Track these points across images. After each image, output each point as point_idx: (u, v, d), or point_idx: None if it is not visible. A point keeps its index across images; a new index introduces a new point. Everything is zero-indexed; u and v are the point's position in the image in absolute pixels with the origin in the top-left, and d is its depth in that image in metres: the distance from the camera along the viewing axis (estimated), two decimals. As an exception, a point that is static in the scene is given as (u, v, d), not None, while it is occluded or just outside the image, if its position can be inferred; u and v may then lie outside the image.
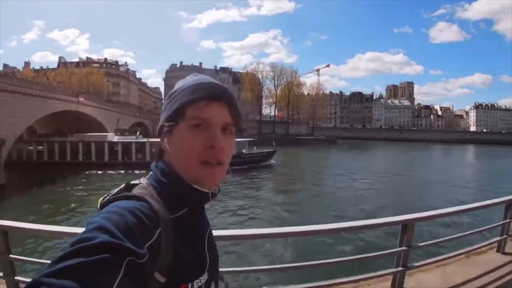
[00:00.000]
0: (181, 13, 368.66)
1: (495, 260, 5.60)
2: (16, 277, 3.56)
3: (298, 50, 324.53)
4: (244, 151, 40.95)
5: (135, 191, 0.99)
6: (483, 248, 5.99)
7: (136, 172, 33.50)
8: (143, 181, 1.05)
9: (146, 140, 42.05)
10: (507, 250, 5.98)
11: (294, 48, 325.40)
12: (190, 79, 1.09)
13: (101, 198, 0.98)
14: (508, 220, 5.78)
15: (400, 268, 4.28)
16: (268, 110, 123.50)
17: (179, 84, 1.09)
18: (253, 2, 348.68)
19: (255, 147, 45.17)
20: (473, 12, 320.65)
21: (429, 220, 5.97)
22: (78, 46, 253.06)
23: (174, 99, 1.05)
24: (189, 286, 0.95)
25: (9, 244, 3.50)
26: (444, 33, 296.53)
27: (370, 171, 40.40)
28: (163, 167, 1.05)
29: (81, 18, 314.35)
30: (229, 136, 1.06)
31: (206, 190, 1.02)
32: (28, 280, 2.99)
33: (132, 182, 1.05)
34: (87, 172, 35.98)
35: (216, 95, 1.03)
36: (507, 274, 5.12)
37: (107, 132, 50.70)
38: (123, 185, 1.03)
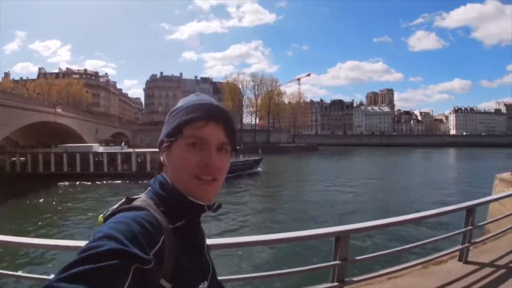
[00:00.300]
0: (163, 24, 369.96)
1: (456, 269, 5.27)
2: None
3: (280, 60, 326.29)
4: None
5: (136, 203, 1.01)
6: (444, 257, 5.62)
7: (119, 182, 33.60)
8: (142, 195, 1.08)
9: (132, 151, 41.68)
10: (470, 259, 5.64)
11: (275, 59, 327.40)
12: (192, 99, 1.13)
13: (101, 216, 0.99)
14: (469, 228, 5.45)
15: (335, 283, 3.97)
16: (249, 119, 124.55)
17: (181, 103, 1.14)
18: (235, 13, 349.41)
19: (241, 156, 44.56)
20: (451, 21, 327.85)
21: (365, 231, 5.48)
22: (60, 57, 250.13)
23: (174, 117, 1.09)
24: None
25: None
26: (422, 41, 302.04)
27: (350, 177, 40.45)
28: (162, 180, 1.08)
29: (63, 29, 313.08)
30: (225, 155, 1.10)
31: (201, 203, 1.05)
32: None
33: (132, 196, 1.07)
34: (76, 183, 35.44)
35: (213, 115, 1.07)
36: (470, 284, 4.84)
37: (86, 143, 50.28)
38: (123, 199, 1.04)
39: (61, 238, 16.07)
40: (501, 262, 5.54)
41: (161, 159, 1.11)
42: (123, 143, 48.10)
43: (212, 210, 1.11)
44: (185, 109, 1.08)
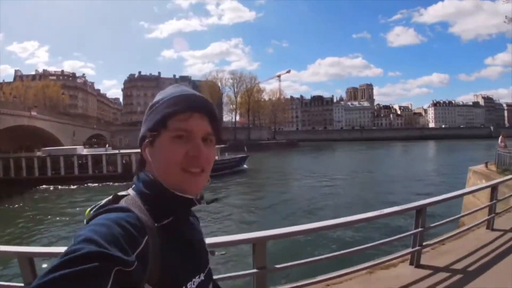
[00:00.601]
0: (142, 23, 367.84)
1: (406, 274, 4.88)
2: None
3: (260, 58, 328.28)
4: (216, 157, 39.83)
5: (122, 202, 0.99)
6: (394, 261, 5.20)
7: (110, 184, 33.04)
8: (131, 192, 1.05)
9: (117, 152, 40.96)
10: (423, 262, 5.24)
11: (255, 56, 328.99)
12: (171, 90, 1.09)
13: (88, 210, 0.99)
14: (419, 229, 5.01)
15: None
16: (229, 117, 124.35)
17: (160, 95, 1.09)
18: (214, 11, 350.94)
19: (226, 153, 44.72)
20: (429, 16, 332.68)
21: (282, 238, 4.73)
22: (38, 58, 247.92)
23: (156, 110, 1.06)
24: None
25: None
26: (401, 37, 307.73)
27: (328, 172, 40.43)
28: (145, 177, 1.05)
29: (41, 30, 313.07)
30: (210, 145, 1.08)
31: (190, 196, 1.03)
32: None
33: (120, 193, 1.05)
34: (59, 187, 34.78)
35: (197, 107, 1.05)
36: (500, 246, 4.95)
37: (63, 145, 49.57)
38: (110, 197, 1.03)
39: (47, 243, 16.25)
40: (458, 265, 5.16)
41: (143, 156, 1.07)
42: (107, 145, 47.37)
43: (203, 202, 1.09)
44: (167, 101, 1.05)
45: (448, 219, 6.00)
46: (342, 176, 37.05)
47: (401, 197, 23.02)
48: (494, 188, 6.83)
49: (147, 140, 1.04)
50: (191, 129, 1.02)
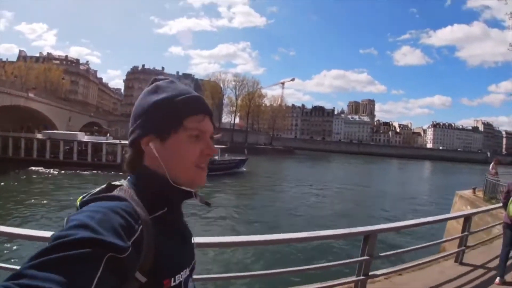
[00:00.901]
0: (152, 18, 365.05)
1: (453, 268, 5.90)
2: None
3: (266, 63, 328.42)
4: (216, 158, 40.02)
5: (116, 192, 1.00)
6: (440, 259, 6.32)
7: (106, 173, 33.67)
8: (124, 182, 1.08)
9: (118, 142, 40.85)
10: (465, 260, 6.29)
11: (262, 61, 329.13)
12: (178, 88, 1.13)
13: (80, 197, 0.99)
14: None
15: (361, 277, 4.46)
16: (228, 119, 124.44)
17: (166, 92, 1.11)
18: (225, 13, 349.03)
19: (226, 155, 44.82)
20: (437, 39, 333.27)
21: (391, 231, 5.70)
22: (45, 41, 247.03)
23: (168, 108, 1.08)
24: (172, 281, 0.99)
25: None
26: (408, 56, 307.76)
27: (320, 183, 40.22)
28: (145, 170, 1.09)
29: (50, 13, 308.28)
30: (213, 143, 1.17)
31: (192, 190, 1.10)
32: None
33: (114, 183, 1.07)
34: (55, 171, 35.12)
35: (209, 110, 1.15)
36: (466, 283, 5.40)
37: (57, 130, 49.73)
38: (104, 186, 1.05)
39: (39, 226, 16.12)
40: (490, 264, 6.26)
41: (146, 150, 1.08)
42: (108, 134, 47.54)
43: (200, 198, 1.14)
44: (182, 101, 1.09)
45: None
46: (333, 187, 36.84)
47: (385, 215, 23.41)
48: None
49: (152, 135, 1.06)
50: (205, 129, 1.10)
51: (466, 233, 6.28)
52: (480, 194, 16.00)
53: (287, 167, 62.55)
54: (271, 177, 43.99)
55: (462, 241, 6.33)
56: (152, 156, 1.06)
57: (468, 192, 16.86)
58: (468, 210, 6.51)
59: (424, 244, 5.96)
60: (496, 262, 6.16)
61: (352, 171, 63.16)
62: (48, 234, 2.96)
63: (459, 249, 6.31)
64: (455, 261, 6.38)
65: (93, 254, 0.71)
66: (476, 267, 6.25)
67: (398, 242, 14.30)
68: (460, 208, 15.40)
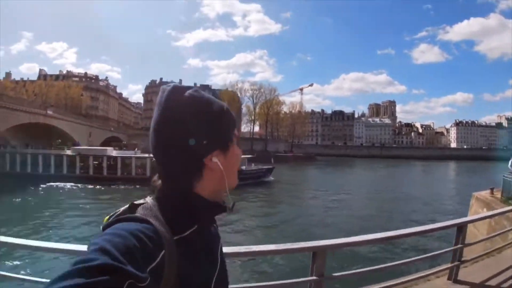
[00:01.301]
0: (169, 31, 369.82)
1: None
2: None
3: (284, 70, 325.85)
4: (243, 167, 40.23)
5: (139, 212, 0.98)
6: (431, 276, 5.34)
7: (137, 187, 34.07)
8: (149, 200, 1.04)
9: (147, 156, 41.12)
10: (460, 277, 5.38)
11: (279, 68, 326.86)
12: (216, 101, 1.10)
13: (106, 218, 0.98)
14: (460, 246, 4.99)
15: None
16: (247, 128, 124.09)
17: (215, 105, 1.08)
18: (240, 22, 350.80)
19: (253, 164, 44.94)
20: (454, 34, 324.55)
21: (342, 247, 4.71)
22: (66, 59, 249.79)
23: (224, 120, 1.08)
24: None
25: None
26: (426, 54, 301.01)
27: (342, 188, 39.93)
28: (182, 188, 1.06)
29: (69, 32, 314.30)
30: None
31: (226, 204, 1.11)
32: None
33: (137, 202, 1.03)
34: (87, 186, 35.69)
35: None
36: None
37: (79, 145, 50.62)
38: (127, 206, 1.02)
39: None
40: (492, 282, 5.32)
41: (212, 166, 1.04)
42: (136, 149, 47.87)
43: (230, 210, 1.12)
44: (229, 113, 1.10)
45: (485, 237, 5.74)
46: (355, 193, 36.55)
47: (429, 216, 23.63)
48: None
49: (218, 151, 1.05)
50: (238, 135, 1.14)
51: (459, 245, 5.64)
52: (498, 194, 14.77)
53: (309, 175, 62.34)
54: (295, 185, 43.82)
55: (456, 255, 5.38)
56: (219, 169, 1.04)
57: (485, 193, 15.90)
58: (462, 218, 5.87)
59: (404, 261, 5.09)
60: (501, 278, 5.53)
61: (374, 176, 62.06)
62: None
63: (452, 264, 5.35)
64: (448, 279, 5.39)
65: (112, 282, 0.70)
66: (473, 285, 5.37)
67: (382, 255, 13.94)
68: (477, 211, 14.55)
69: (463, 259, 5.33)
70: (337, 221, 22.86)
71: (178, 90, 1.03)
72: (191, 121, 1.00)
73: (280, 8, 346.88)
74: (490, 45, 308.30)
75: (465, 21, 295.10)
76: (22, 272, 10.45)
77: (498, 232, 7.76)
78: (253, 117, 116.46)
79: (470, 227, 11.23)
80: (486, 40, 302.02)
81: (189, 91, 1.04)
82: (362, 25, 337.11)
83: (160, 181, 1.07)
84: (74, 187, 35.13)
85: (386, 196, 35.46)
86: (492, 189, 15.87)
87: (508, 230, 8.05)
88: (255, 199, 31.29)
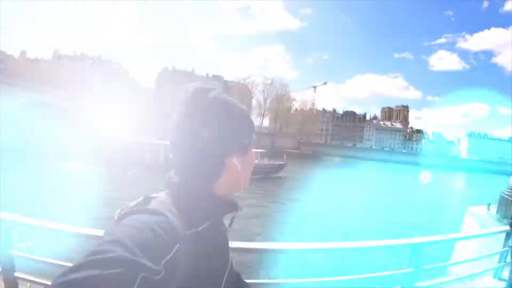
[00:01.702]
0: (184, 20, 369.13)
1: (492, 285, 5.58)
2: (15, 274, 3.33)
3: (299, 66, 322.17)
4: (256, 161, 39.05)
5: (153, 204, 0.98)
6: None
7: None
8: (162, 194, 1.06)
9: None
10: (503, 276, 5.84)
11: (295, 64, 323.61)
12: (239, 104, 1.16)
13: (119, 210, 0.98)
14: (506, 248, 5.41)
15: None
16: (256, 122, 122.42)
17: (237, 108, 1.13)
18: (259, 15, 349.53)
19: (266, 159, 44.54)
20: (473, 43, 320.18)
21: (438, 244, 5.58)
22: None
23: (245, 124, 1.14)
24: None
25: (12, 239, 3.40)
26: (444, 61, 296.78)
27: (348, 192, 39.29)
28: (196, 183, 1.08)
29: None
30: None
31: (237, 203, 1.14)
32: (28, 277, 3.21)
33: (151, 195, 1.05)
34: None
35: None
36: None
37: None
38: (141, 198, 1.02)
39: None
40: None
41: (231, 166, 1.09)
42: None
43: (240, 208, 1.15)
44: (249, 117, 1.17)
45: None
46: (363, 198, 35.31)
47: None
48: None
49: (237, 153, 1.09)
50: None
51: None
52: (494, 211, 14.09)
53: (317, 175, 60.90)
54: (305, 184, 41.76)
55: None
56: (236, 170, 1.08)
57: (479, 208, 14.95)
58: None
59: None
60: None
61: (379, 183, 60.92)
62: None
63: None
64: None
65: (127, 274, 0.71)
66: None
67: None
68: (469, 227, 13.55)
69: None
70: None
71: (202, 91, 1.07)
72: (214, 122, 1.04)
73: (300, 2, 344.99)
74: (509, 57, 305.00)
75: (486, 31, 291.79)
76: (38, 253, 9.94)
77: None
78: (263, 112, 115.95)
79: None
80: (505, 52, 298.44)
81: (213, 93, 1.07)
82: (381, 26, 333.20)
83: (176, 177, 1.07)
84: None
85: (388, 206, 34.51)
86: (489, 205, 15.05)
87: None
88: (261, 195, 30.91)
